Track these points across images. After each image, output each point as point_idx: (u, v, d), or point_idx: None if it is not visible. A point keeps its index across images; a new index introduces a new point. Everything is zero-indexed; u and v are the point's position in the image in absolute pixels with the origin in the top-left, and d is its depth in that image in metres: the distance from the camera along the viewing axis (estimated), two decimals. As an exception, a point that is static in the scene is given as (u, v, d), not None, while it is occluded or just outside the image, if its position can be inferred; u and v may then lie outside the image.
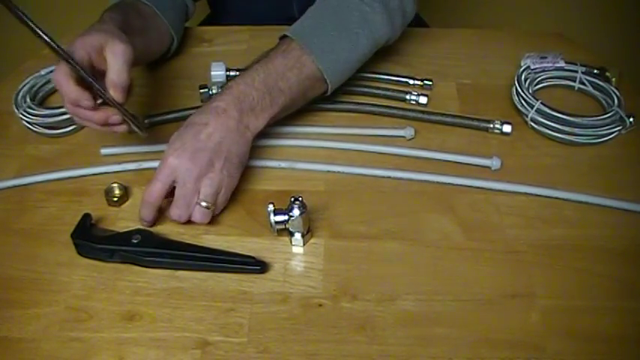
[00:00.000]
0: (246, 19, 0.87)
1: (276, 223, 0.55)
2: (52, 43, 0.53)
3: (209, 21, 1.00)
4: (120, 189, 0.61)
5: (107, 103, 0.57)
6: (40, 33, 0.52)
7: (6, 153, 0.69)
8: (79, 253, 0.56)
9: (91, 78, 0.56)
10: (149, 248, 0.55)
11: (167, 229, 0.59)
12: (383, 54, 0.75)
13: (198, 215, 0.57)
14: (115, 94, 0.56)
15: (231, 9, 0.94)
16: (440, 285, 0.53)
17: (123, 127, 0.59)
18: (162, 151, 0.66)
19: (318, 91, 0.66)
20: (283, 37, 0.65)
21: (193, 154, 0.56)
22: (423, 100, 0.72)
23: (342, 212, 0.60)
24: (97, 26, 0.59)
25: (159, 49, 0.75)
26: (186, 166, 0.56)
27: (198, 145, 0.56)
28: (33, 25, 0.52)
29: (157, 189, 0.56)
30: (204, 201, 0.57)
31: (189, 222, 0.59)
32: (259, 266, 0.54)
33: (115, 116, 0.58)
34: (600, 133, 0.65)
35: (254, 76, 0.61)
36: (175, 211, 0.57)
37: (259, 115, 0.60)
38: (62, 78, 0.55)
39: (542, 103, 0.66)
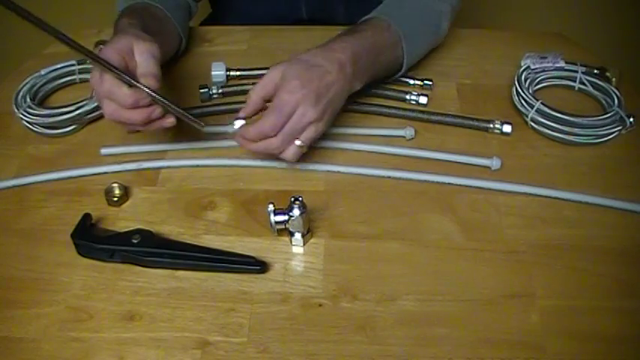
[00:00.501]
0: (249, 20, 0.87)
1: (277, 223, 0.55)
2: (92, 55, 0.55)
3: (210, 21, 1.00)
4: (120, 189, 0.61)
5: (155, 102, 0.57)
6: (79, 48, 0.55)
7: (6, 153, 0.69)
8: (79, 253, 0.56)
9: (133, 79, 0.56)
10: (149, 248, 0.55)
11: (167, 229, 0.59)
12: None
13: (291, 153, 0.59)
14: (148, 82, 0.57)
15: (234, 9, 0.93)
16: (440, 285, 0.53)
17: (170, 121, 0.59)
18: (162, 151, 0.67)
19: (386, 75, 0.71)
20: (372, 19, 0.68)
21: (318, 99, 0.57)
22: (423, 100, 0.72)
23: (342, 212, 0.60)
24: (121, 33, 0.60)
25: (172, 50, 0.76)
26: (309, 108, 0.57)
27: (322, 92, 0.58)
28: (70, 42, 0.54)
29: (277, 122, 0.57)
30: (304, 143, 0.58)
31: (189, 220, 0.59)
32: (259, 266, 0.54)
33: (157, 110, 0.58)
34: (600, 133, 0.65)
35: (366, 42, 0.63)
36: (275, 142, 0.58)
37: (361, 80, 0.63)
38: (113, 86, 0.56)
39: (542, 103, 0.66)
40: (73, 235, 0.56)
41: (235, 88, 0.75)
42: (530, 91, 0.69)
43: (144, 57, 0.58)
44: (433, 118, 0.70)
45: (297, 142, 0.58)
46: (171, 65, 0.79)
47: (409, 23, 0.69)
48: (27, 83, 0.73)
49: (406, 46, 0.68)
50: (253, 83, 0.75)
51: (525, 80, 0.71)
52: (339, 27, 0.83)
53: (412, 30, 0.69)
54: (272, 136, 0.58)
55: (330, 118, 0.60)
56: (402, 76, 0.75)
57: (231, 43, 0.84)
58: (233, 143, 0.68)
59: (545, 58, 0.72)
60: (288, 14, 0.88)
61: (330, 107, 0.59)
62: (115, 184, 0.61)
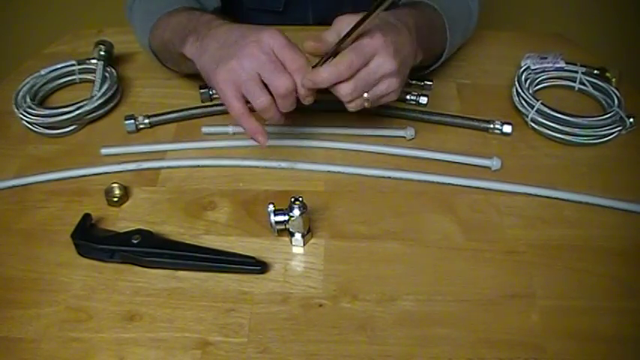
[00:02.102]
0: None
1: (277, 223, 0.55)
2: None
3: None
4: (120, 189, 0.61)
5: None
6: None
7: (6, 153, 0.69)
8: (79, 254, 0.56)
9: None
10: (149, 248, 0.55)
11: (167, 230, 0.59)
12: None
13: (356, 104, 0.56)
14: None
15: (243, 20, 0.92)
16: (440, 285, 0.53)
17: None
18: (162, 151, 0.67)
19: (428, 60, 0.70)
20: (419, 2, 0.67)
21: (396, 52, 0.55)
22: (423, 100, 0.72)
23: (342, 212, 0.60)
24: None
25: None
26: (387, 58, 0.54)
27: (399, 47, 0.55)
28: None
29: (355, 62, 0.53)
30: (371, 98, 0.56)
31: (190, 221, 0.59)
32: (259, 266, 0.54)
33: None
34: (600, 133, 0.65)
35: (424, 17, 0.62)
36: (347, 88, 0.54)
37: (418, 55, 0.61)
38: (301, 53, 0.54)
39: (542, 103, 0.66)
40: (73, 235, 0.56)
41: (235, 88, 0.75)
42: (531, 92, 0.69)
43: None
44: (433, 118, 0.70)
45: (365, 95, 0.55)
46: (171, 65, 0.79)
47: (451, 13, 0.69)
48: (27, 83, 0.73)
49: (449, 34, 0.68)
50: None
51: (525, 80, 0.71)
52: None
53: (453, 20, 0.69)
54: (343, 82, 0.54)
55: (403, 80, 0.57)
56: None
57: (231, 43, 0.84)
58: (233, 143, 0.68)
59: (546, 58, 0.73)
60: (294, 24, 0.88)
61: (404, 67, 0.56)
62: (115, 184, 0.61)
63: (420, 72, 0.73)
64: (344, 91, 0.55)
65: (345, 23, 0.55)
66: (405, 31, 0.57)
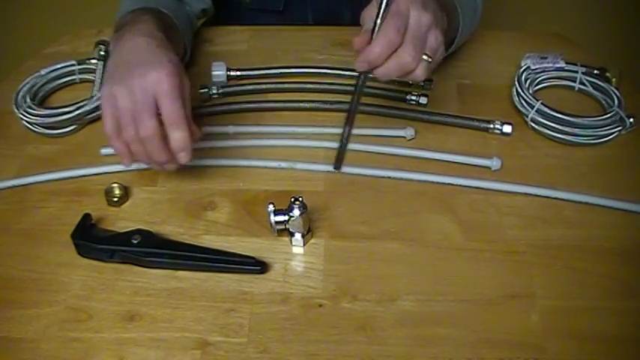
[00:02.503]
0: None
1: (277, 223, 0.55)
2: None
3: (212, 21, 1.00)
4: (120, 189, 0.61)
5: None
6: None
7: (6, 153, 0.69)
8: (79, 254, 0.56)
9: None
10: (149, 248, 0.55)
11: (167, 229, 0.59)
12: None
13: (421, 68, 0.54)
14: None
15: (241, 20, 0.91)
16: (440, 285, 0.53)
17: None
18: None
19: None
20: None
21: (424, 4, 0.53)
22: (423, 100, 0.72)
23: (342, 212, 0.60)
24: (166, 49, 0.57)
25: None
26: (421, 11, 0.53)
27: (424, 2, 0.54)
28: None
29: (399, 24, 0.52)
30: (431, 56, 0.54)
31: (189, 221, 0.59)
32: (259, 266, 0.54)
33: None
34: (600, 133, 0.65)
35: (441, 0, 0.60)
36: (407, 52, 0.52)
37: (444, 17, 0.59)
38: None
39: (542, 103, 0.66)
40: (73, 235, 0.56)
41: (235, 88, 0.75)
42: (531, 92, 0.69)
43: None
44: (433, 118, 0.70)
45: (424, 57, 0.54)
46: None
47: (462, 2, 0.68)
48: (27, 83, 0.73)
49: (462, 21, 0.67)
50: (253, 83, 0.76)
51: (525, 80, 0.71)
52: (340, 27, 0.84)
53: (464, 9, 0.68)
54: (399, 48, 0.53)
55: (442, 32, 0.56)
56: None
57: (231, 43, 0.84)
58: (233, 143, 0.68)
59: (546, 58, 0.73)
60: (294, 24, 0.88)
61: (438, 20, 0.55)
62: (115, 184, 0.61)
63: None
64: (406, 57, 0.53)
65: (369, 13, 0.55)
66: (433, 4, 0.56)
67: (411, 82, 0.54)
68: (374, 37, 0.53)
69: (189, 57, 0.77)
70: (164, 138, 0.54)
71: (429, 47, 0.54)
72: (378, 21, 0.53)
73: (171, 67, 0.54)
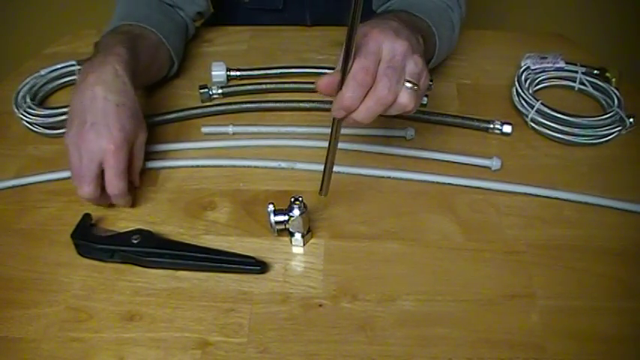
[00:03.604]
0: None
1: (277, 223, 0.55)
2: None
3: (211, 21, 1.00)
4: (120, 189, 0.61)
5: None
6: None
7: (6, 153, 0.69)
8: (79, 253, 0.56)
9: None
10: (149, 248, 0.55)
11: (167, 229, 0.59)
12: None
13: (405, 97, 0.50)
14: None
15: (238, 20, 0.92)
16: (440, 285, 0.53)
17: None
18: (162, 151, 0.67)
19: None
20: (404, 12, 0.64)
21: (396, 33, 0.51)
22: (423, 100, 0.72)
23: (342, 212, 0.60)
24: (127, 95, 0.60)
25: (159, 75, 0.75)
26: (394, 40, 0.50)
27: (395, 30, 0.51)
28: None
29: (367, 60, 0.48)
30: (413, 82, 0.51)
31: (189, 221, 0.59)
32: (259, 266, 0.54)
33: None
34: (600, 133, 0.65)
35: (412, 22, 0.59)
36: (384, 84, 0.49)
37: (419, 39, 0.57)
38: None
39: (542, 103, 0.66)
40: (73, 235, 0.56)
41: (235, 88, 0.75)
42: (530, 92, 0.69)
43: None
44: (433, 118, 0.70)
45: (407, 85, 0.50)
46: (171, 65, 0.79)
47: (437, 23, 0.67)
48: (27, 83, 0.73)
49: (438, 42, 0.67)
50: (253, 83, 0.76)
51: (525, 80, 0.71)
52: (338, 27, 0.84)
53: (439, 30, 0.67)
54: (373, 85, 0.49)
55: (422, 56, 0.52)
56: None
57: (231, 43, 0.84)
58: (233, 143, 0.68)
59: (545, 58, 0.73)
60: (292, 23, 0.88)
61: (414, 44, 0.52)
62: (115, 184, 0.61)
63: None
64: (381, 91, 0.49)
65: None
66: (394, 21, 0.54)
67: (404, 114, 0.52)
68: (345, 82, 0.49)
69: (177, 67, 0.77)
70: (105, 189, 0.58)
71: (409, 74, 0.51)
72: (349, 64, 0.48)
73: (120, 139, 0.57)
